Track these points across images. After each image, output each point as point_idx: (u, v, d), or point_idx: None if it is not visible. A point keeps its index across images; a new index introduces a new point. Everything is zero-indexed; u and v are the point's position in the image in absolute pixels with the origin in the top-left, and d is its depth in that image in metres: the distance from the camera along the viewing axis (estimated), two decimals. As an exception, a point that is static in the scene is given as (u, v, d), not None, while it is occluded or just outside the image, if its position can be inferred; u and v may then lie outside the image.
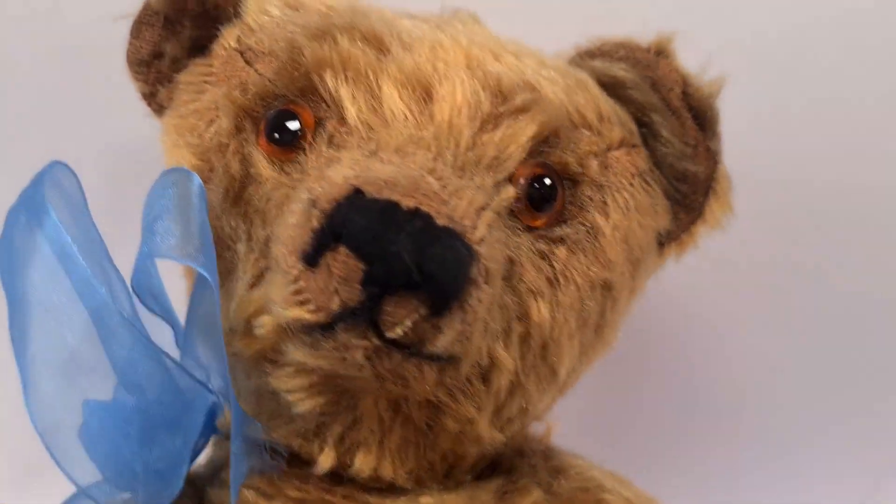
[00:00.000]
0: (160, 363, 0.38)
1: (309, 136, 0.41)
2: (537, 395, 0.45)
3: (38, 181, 0.38)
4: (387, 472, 0.43)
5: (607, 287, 0.45)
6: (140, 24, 0.48)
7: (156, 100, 0.49)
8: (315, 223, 0.34)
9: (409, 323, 0.34)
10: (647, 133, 0.48)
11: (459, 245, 0.34)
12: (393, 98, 0.40)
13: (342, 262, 0.34)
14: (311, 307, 0.35)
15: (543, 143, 0.42)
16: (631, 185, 0.46)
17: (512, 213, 0.42)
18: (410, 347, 0.35)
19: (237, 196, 0.42)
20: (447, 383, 0.40)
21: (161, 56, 0.48)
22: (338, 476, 0.43)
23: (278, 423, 0.44)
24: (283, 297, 0.36)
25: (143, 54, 0.48)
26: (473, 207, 0.37)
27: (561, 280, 0.43)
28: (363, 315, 0.34)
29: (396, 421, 0.42)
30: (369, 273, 0.34)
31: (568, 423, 0.52)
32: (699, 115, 0.47)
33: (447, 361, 0.38)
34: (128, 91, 0.50)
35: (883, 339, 0.73)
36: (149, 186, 0.41)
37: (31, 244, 0.38)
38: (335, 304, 0.34)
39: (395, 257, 0.33)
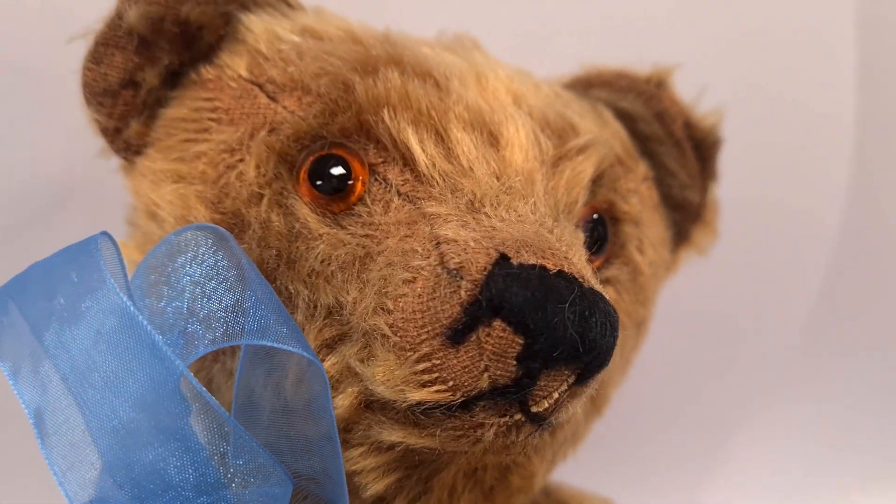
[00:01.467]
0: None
1: (360, 185, 0.37)
2: (585, 432, 0.44)
3: (89, 244, 0.30)
4: None
5: (642, 325, 0.45)
6: (106, 47, 0.40)
7: (122, 136, 0.41)
8: (465, 295, 0.31)
9: (556, 395, 0.32)
10: (653, 166, 0.48)
11: (612, 310, 0.32)
12: (465, 143, 0.37)
13: (498, 336, 0.31)
14: (444, 387, 0.31)
15: (593, 183, 0.41)
16: (653, 219, 0.46)
17: None
18: (543, 419, 0.33)
19: (291, 255, 0.36)
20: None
21: (133, 85, 0.40)
22: None
23: None
24: (403, 376, 0.32)
25: (110, 83, 0.40)
26: (584, 261, 0.35)
27: None
28: (513, 392, 0.31)
29: (467, 487, 0.39)
30: (529, 348, 0.31)
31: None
32: (699, 147, 0.48)
33: (553, 426, 0.36)
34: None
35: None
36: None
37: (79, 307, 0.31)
38: (483, 383, 0.31)
39: (561, 329, 0.30)
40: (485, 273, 0.31)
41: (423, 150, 0.36)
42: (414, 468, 0.37)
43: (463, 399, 0.31)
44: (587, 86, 0.48)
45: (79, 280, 0.30)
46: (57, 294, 0.30)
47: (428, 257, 0.32)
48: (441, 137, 0.37)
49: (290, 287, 0.36)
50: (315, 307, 0.35)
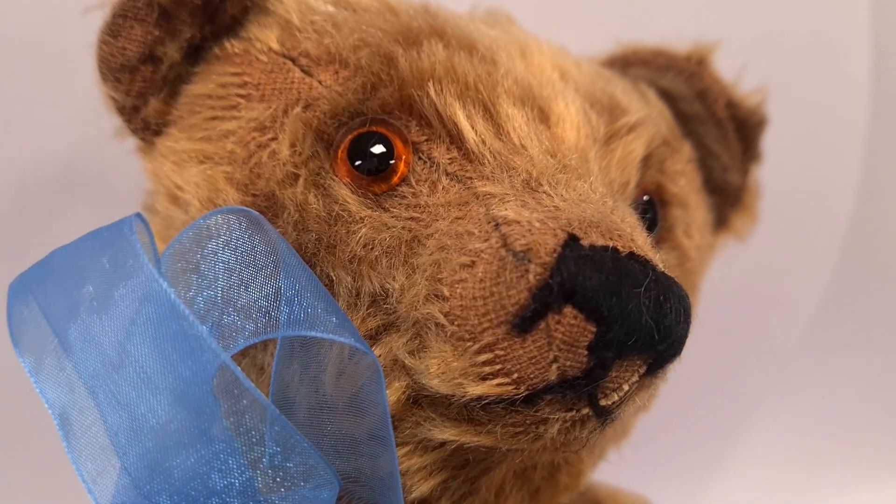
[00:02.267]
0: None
1: (403, 164, 0.34)
2: (633, 424, 0.41)
3: (123, 226, 0.28)
4: None
5: None
6: (125, 19, 0.37)
7: (140, 115, 0.38)
8: (534, 280, 0.28)
9: (626, 387, 0.30)
10: (694, 147, 0.45)
11: (685, 295, 0.30)
12: (516, 119, 0.34)
13: (569, 324, 0.28)
14: (507, 380, 0.29)
15: (642, 163, 0.39)
16: (698, 201, 0.44)
17: None
18: (609, 412, 0.31)
19: (332, 239, 0.34)
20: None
21: (153, 60, 0.37)
22: None
23: None
24: (462, 368, 0.29)
25: (128, 57, 0.37)
26: (649, 243, 0.32)
27: None
28: (584, 385, 0.29)
29: (515, 486, 0.37)
30: (603, 336, 0.28)
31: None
32: (742, 128, 0.46)
33: (614, 420, 0.34)
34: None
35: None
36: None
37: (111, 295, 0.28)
38: (552, 374, 0.29)
39: (637, 316, 0.28)
40: (555, 255, 0.28)
41: (472, 127, 0.34)
42: (462, 468, 0.35)
43: (528, 392, 0.29)
44: (624, 64, 0.46)
45: (111, 266, 0.27)
46: (85, 282, 0.27)
47: (488, 239, 0.30)
48: (490, 113, 0.34)
49: (332, 273, 0.33)
50: (358, 295, 0.33)
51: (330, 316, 0.30)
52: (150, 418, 0.27)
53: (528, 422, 0.30)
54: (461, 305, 0.29)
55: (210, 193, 0.35)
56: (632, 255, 0.29)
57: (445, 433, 0.32)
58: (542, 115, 0.35)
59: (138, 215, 0.28)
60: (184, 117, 0.37)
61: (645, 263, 0.29)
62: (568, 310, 0.28)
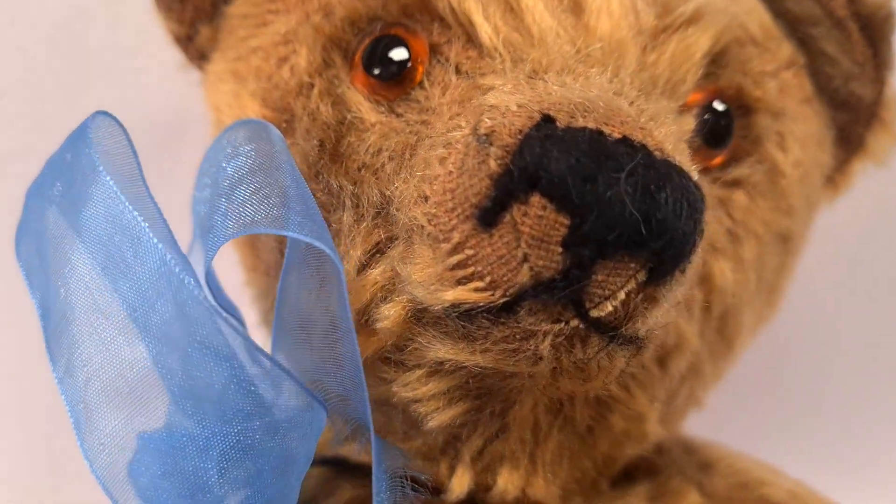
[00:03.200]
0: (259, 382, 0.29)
1: (421, 67, 0.32)
2: (712, 378, 0.36)
3: (79, 136, 0.28)
4: (538, 490, 0.34)
5: (787, 238, 0.37)
6: None
7: (194, 44, 0.39)
8: (495, 165, 0.25)
9: (622, 295, 0.25)
10: (806, 53, 0.39)
11: (693, 187, 0.25)
12: (538, 10, 0.31)
13: (536, 216, 0.25)
14: (482, 284, 0.26)
15: (713, 63, 0.34)
16: (803, 113, 0.37)
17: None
18: (614, 329, 0.26)
19: (335, 149, 0.32)
20: (622, 371, 0.31)
21: None
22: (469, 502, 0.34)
23: (393, 440, 0.34)
24: (437, 273, 0.27)
25: None
26: (674, 139, 0.28)
27: (741, 233, 0.34)
28: (562, 288, 0.25)
29: (555, 426, 0.33)
30: (578, 229, 0.24)
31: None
32: (868, 27, 0.39)
33: (642, 343, 0.29)
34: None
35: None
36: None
37: (72, 226, 0.28)
38: (524, 276, 0.25)
39: (617, 205, 0.24)
40: (520, 137, 0.25)
41: (486, 20, 0.31)
42: (483, 398, 0.32)
43: (505, 299, 0.26)
44: None
45: (74, 165, 0.27)
46: (55, 180, 0.27)
47: (466, 128, 0.27)
48: (510, 6, 0.31)
49: (334, 183, 0.32)
50: (363, 206, 0.31)
51: (305, 219, 0.28)
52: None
53: (516, 336, 0.27)
54: (436, 202, 0.27)
55: (239, 111, 0.35)
56: (625, 139, 0.25)
57: (441, 352, 0.29)
58: (575, 6, 0.32)
59: (102, 112, 0.28)
60: (224, 40, 0.37)
61: (638, 147, 0.25)
62: (535, 199, 0.24)
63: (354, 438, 0.31)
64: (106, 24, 0.53)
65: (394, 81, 0.32)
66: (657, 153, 0.25)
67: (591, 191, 0.24)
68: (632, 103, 0.28)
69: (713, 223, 0.33)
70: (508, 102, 0.26)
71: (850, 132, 0.41)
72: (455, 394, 0.31)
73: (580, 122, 0.25)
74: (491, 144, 0.25)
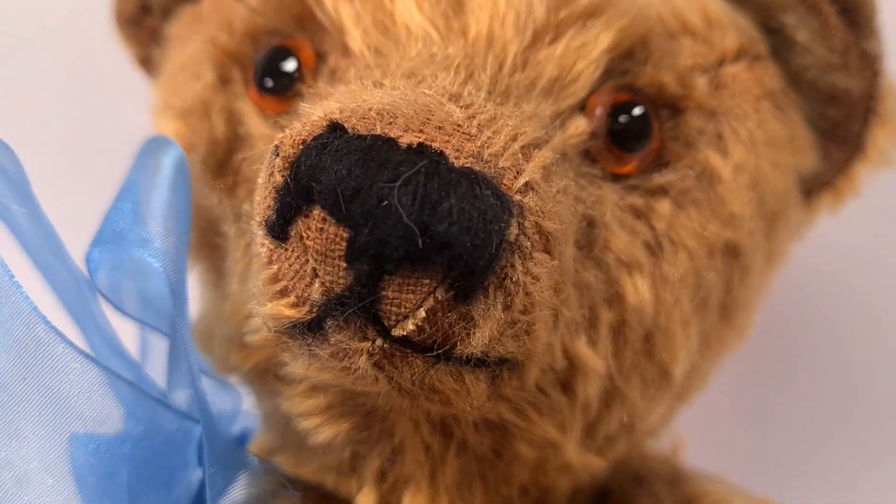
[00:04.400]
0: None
1: (308, 77, 0.31)
2: (644, 405, 0.33)
3: None
4: None
5: (732, 251, 0.33)
6: None
7: (152, 66, 0.40)
8: (278, 177, 0.24)
9: (422, 313, 0.24)
10: (778, 43, 0.35)
11: (488, 195, 0.23)
12: (409, 12, 0.30)
13: (317, 229, 0.23)
14: (293, 299, 0.25)
15: (627, 58, 0.31)
16: (756, 110, 0.33)
17: (589, 155, 0.30)
18: (435, 348, 0.25)
19: (221, 164, 0.32)
20: (509, 396, 0.29)
21: (149, 10, 0.39)
22: None
23: (307, 454, 0.34)
24: (260, 287, 0.26)
25: (131, 10, 0.39)
26: (518, 143, 0.26)
27: (665, 245, 0.31)
28: (352, 305, 0.24)
29: (449, 448, 0.31)
30: (354, 243, 0.23)
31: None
32: (846, 8, 0.34)
33: (500, 366, 0.27)
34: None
35: None
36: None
37: None
38: (317, 293, 0.24)
39: (389, 216, 0.22)
40: (300, 147, 0.24)
41: (356, 26, 0.30)
42: (366, 416, 0.30)
43: (311, 315, 0.25)
44: None
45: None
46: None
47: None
48: (384, 9, 0.30)
49: (220, 197, 0.32)
50: (243, 219, 0.31)
51: (155, 240, 0.28)
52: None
53: (338, 354, 0.25)
54: (254, 216, 0.26)
55: (161, 127, 0.36)
56: (421, 146, 0.23)
57: (296, 368, 0.28)
58: (457, 4, 0.30)
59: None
60: (164, 60, 0.38)
61: (434, 156, 0.23)
62: (316, 212, 0.23)
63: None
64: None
65: (285, 95, 0.32)
66: (460, 160, 0.23)
67: (361, 202, 0.22)
68: (467, 107, 0.26)
69: (623, 235, 0.30)
70: (316, 111, 0.25)
71: (845, 130, 0.36)
72: (336, 410, 0.30)
73: (377, 130, 0.23)
74: (277, 156, 0.24)
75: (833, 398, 0.57)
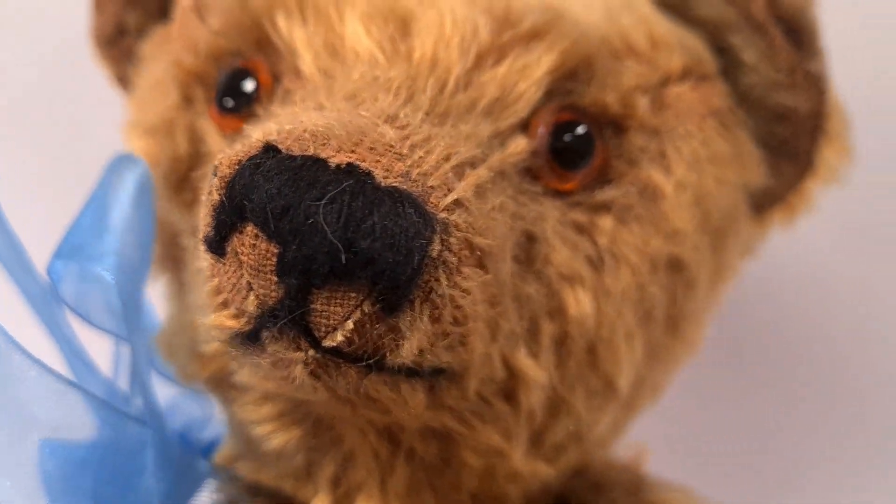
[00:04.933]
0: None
1: (265, 98, 0.32)
2: (589, 415, 0.34)
3: None
4: None
5: (676, 266, 0.34)
6: None
7: (128, 83, 0.42)
8: (216, 195, 0.25)
9: (351, 325, 0.25)
10: (727, 63, 0.36)
11: (411, 213, 0.24)
12: (357, 35, 0.31)
13: (250, 244, 0.25)
14: (233, 311, 0.26)
15: (571, 78, 0.32)
16: (701, 129, 0.34)
17: (531, 173, 0.31)
18: (366, 359, 0.26)
19: (181, 180, 0.34)
20: (450, 405, 0.30)
21: (126, 31, 0.40)
22: None
23: (266, 461, 0.35)
24: (205, 299, 0.27)
25: (108, 30, 0.41)
26: (450, 163, 0.27)
27: (608, 260, 0.32)
28: (283, 317, 0.25)
29: (398, 456, 0.32)
30: (283, 258, 0.24)
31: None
32: (792, 30, 0.35)
33: (437, 376, 0.28)
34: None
35: None
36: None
37: None
38: (251, 305, 0.25)
39: (315, 233, 0.24)
40: (236, 167, 0.25)
41: (308, 48, 0.31)
42: (316, 424, 0.32)
43: (249, 326, 0.26)
44: None
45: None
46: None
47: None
48: (335, 33, 0.31)
49: (178, 214, 0.33)
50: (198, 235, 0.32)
51: (107, 257, 0.30)
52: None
53: (277, 363, 0.27)
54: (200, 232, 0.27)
55: (130, 144, 0.37)
56: (350, 166, 0.24)
57: (243, 377, 0.30)
58: (404, 27, 0.31)
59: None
60: (137, 80, 0.40)
61: (360, 176, 0.24)
62: (249, 228, 0.25)
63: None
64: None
65: (244, 114, 0.33)
66: (388, 179, 0.24)
67: (289, 220, 0.24)
68: (403, 127, 0.27)
69: (564, 250, 0.31)
70: (256, 132, 0.26)
71: (794, 147, 0.37)
72: (287, 418, 0.31)
73: (310, 150, 0.25)
74: (216, 175, 0.25)
75: (827, 413, 0.57)
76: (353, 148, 0.25)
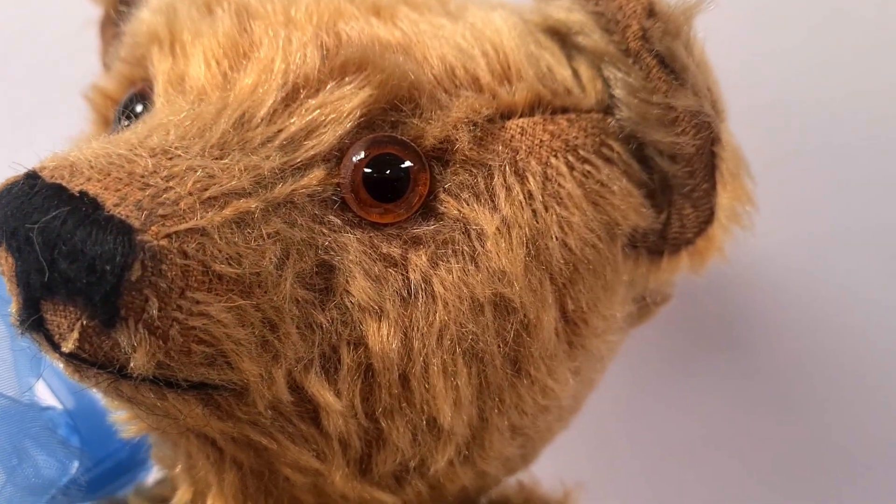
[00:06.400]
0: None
1: None
2: (416, 450, 0.33)
3: None
4: None
5: (505, 307, 0.32)
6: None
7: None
8: None
9: (76, 335, 0.28)
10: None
11: (109, 239, 0.26)
12: (198, 70, 0.33)
13: (3, 258, 0.29)
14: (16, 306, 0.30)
15: (395, 110, 0.32)
16: (547, 165, 0.33)
17: (340, 204, 0.32)
18: (107, 366, 0.28)
19: None
20: (245, 419, 0.31)
21: (112, 20, 0.45)
22: None
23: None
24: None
25: (103, 15, 0.45)
26: (207, 193, 0.28)
27: (419, 295, 0.32)
28: (22, 323, 0.29)
29: (225, 461, 0.34)
30: (16, 271, 0.28)
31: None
32: (667, 62, 0.32)
33: (213, 390, 0.30)
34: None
35: None
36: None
37: None
38: (15, 307, 0.29)
39: (31, 252, 0.27)
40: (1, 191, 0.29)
41: (165, 81, 0.34)
42: (151, 420, 0.34)
43: (17, 323, 0.30)
44: None
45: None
46: None
47: None
48: (184, 68, 0.34)
49: None
50: None
51: None
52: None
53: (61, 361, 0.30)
54: None
55: None
56: (80, 194, 0.27)
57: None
58: (239, 62, 0.33)
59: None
60: None
61: (83, 201, 0.27)
62: (2, 246, 0.29)
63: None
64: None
65: None
66: (111, 207, 0.27)
67: (15, 239, 0.28)
68: (171, 159, 0.29)
69: (364, 281, 0.31)
70: (40, 161, 0.30)
71: (692, 189, 0.34)
72: (135, 413, 0.34)
73: (64, 179, 0.28)
74: None
75: (827, 413, 0.54)
76: (102, 178, 0.28)
